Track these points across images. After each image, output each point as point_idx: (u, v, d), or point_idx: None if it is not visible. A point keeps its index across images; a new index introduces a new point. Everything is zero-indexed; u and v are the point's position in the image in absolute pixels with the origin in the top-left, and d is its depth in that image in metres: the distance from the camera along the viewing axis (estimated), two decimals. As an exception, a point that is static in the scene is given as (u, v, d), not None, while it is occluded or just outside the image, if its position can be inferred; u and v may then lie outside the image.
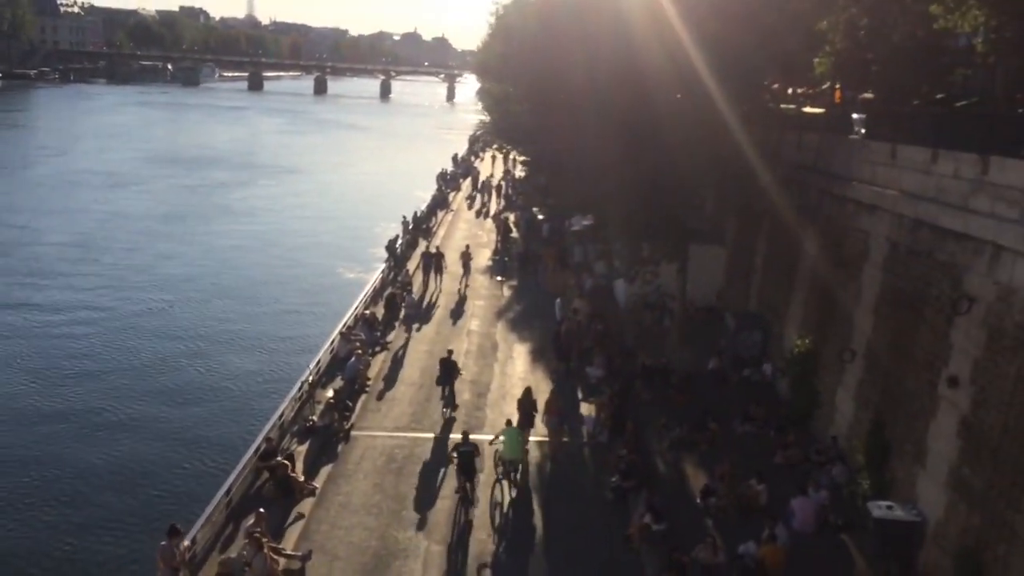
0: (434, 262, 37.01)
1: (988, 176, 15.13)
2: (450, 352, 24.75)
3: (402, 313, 31.37)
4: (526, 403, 21.61)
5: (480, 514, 18.19)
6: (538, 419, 21.69)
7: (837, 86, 33.87)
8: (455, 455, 18.86)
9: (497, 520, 18.03)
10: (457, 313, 33.18)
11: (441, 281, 36.84)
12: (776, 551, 15.84)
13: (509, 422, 20.59)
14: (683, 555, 15.50)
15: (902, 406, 17.52)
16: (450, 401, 23.71)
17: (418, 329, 30.48)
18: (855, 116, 25.24)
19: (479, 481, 19.09)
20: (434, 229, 49.45)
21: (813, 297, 23.55)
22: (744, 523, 17.34)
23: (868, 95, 32.07)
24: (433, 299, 35.10)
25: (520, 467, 19.85)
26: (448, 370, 23.78)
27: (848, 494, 18.52)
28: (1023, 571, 12.85)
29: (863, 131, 23.59)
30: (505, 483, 19.61)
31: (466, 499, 18.40)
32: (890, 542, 16.01)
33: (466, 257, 38.32)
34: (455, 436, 21.27)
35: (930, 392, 16.39)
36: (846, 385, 20.51)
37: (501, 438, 19.91)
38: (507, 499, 19.09)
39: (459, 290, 36.28)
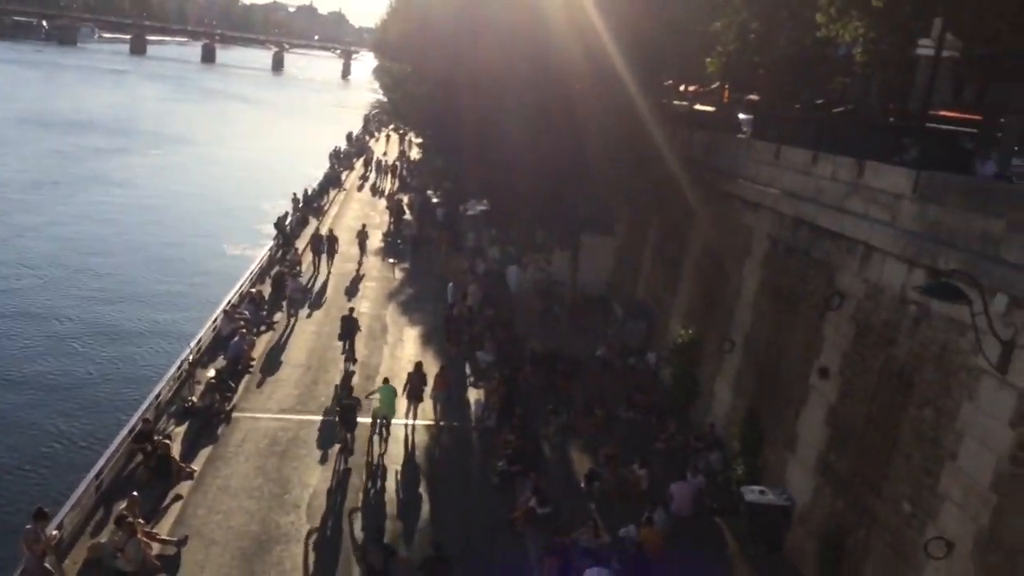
0: (326, 245, 35.49)
1: (863, 179, 16.00)
2: (351, 309, 26.72)
3: (286, 297, 29.69)
4: (415, 377, 21.89)
5: (359, 498, 18.01)
6: (426, 395, 21.95)
7: (726, 86, 34.99)
8: (338, 407, 20.23)
9: (382, 503, 17.89)
10: (349, 292, 32.74)
11: (332, 265, 35.51)
12: (655, 533, 16.37)
13: (386, 380, 21.22)
14: (566, 538, 15.80)
15: (776, 395, 18.38)
16: (351, 355, 24.99)
17: (308, 314, 29.71)
18: (742, 116, 26.17)
19: (356, 435, 19.94)
20: (325, 208, 48.47)
21: (697, 289, 24.36)
22: (626, 507, 17.83)
23: (754, 96, 33.28)
24: (324, 282, 34.00)
25: (390, 423, 20.90)
26: (349, 327, 25.23)
27: (723, 479, 19.32)
28: (882, 554, 13.71)
29: (749, 131, 24.50)
30: (376, 438, 20.55)
31: (345, 449, 19.62)
32: (761, 525, 16.80)
33: (362, 236, 37.51)
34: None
35: (802, 383, 17.25)
36: (725, 375, 21.35)
37: (377, 395, 20.85)
38: (377, 452, 20.17)
39: (355, 270, 35.76)
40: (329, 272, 35.14)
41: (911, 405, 13.57)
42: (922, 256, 13.56)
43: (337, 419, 20.11)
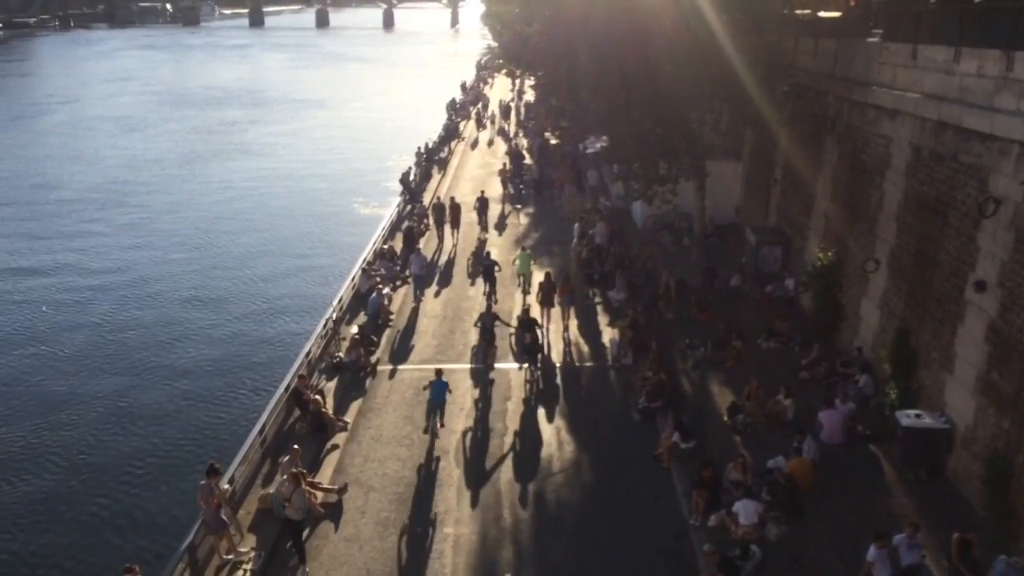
0: (449, 215, 32.79)
1: (1013, 73, 14.62)
2: (488, 254, 28.06)
3: (409, 271, 27.84)
4: (546, 285, 24.32)
5: (507, 442, 18.43)
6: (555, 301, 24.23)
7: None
8: (481, 267, 26.40)
9: (527, 447, 18.26)
10: (477, 251, 32.74)
11: (457, 236, 33.12)
12: (804, 463, 15.99)
13: (523, 248, 29.13)
14: (713, 472, 15.67)
15: (928, 313, 17.38)
16: (492, 293, 26.75)
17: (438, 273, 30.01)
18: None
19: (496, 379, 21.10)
20: (448, 159, 48.98)
21: (834, 208, 23.20)
22: (772, 438, 17.48)
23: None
24: (449, 256, 31.76)
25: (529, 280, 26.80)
26: (489, 269, 26.80)
27: (876, 404, 18.55)
28: (1054, 472, 12.89)
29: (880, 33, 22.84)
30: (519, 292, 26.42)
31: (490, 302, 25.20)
32: (919, 450, 16.10)
33: (482, 204, 34.58)
34: (482, 366, 22.08)
35: (957, 298, 16.22)
36: (870, 296, 20.35)
37: (517, 261, 27.87)
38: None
39: (476, 236, 33.56)
40: (455, 244, 32.85)
41: (1083, 314, 12.52)
42: (1089, 151, 12.35)
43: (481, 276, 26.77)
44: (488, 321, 22.96)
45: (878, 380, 19.05)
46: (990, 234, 15.19)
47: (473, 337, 23.74)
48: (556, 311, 24.42)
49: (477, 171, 44.42)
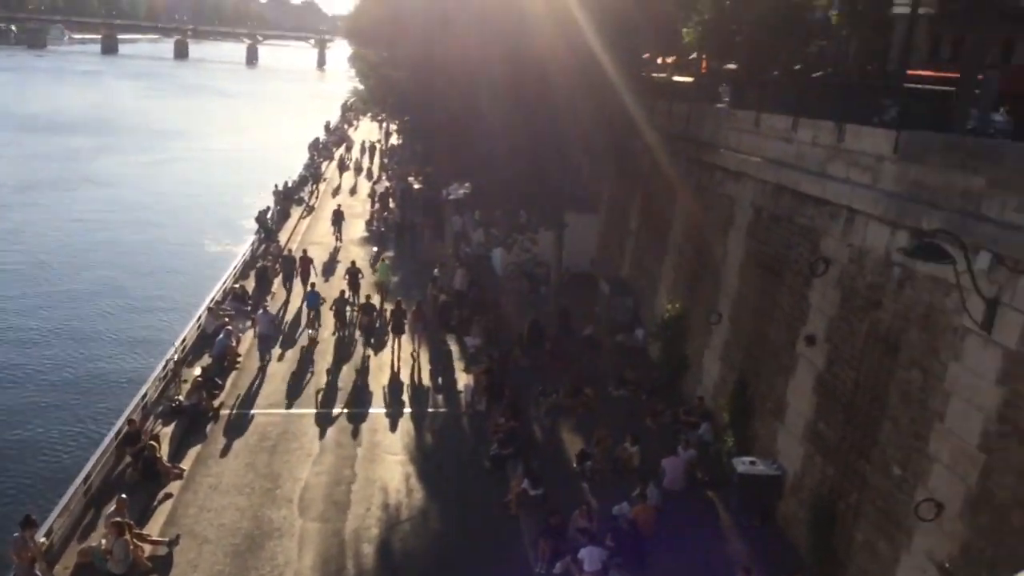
0: (300, 268, 30.61)
1: (844, 143, 15.85)
2: (353, 262, 30.56)
3: (254, 332, 25.40)
4: (397, 313, 25.31)
5: (354, 489, 17.89)
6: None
7: (703, 56, 34.77)
8: (346, 275, 29.72)
9: (375, 494, 17.77)
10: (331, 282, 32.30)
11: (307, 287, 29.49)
12: (647, 509, 16.33)
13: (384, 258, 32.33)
14: (560, 519, 15.74)
15: (764, 365, 18.32)
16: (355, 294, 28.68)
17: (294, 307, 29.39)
18: (722, 88, 25.98)
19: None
20: (308, 200, 48.03)
21: (683, 262, 24.25)
22: (619, 484, 17.78)
23: (732, 66, 33.08)
24: (297, 312, 28.50)
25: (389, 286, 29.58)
26: (353, 275, 29.46)
27: (715, 452, 19.27)
28: (874, 517, 13.69)
29: (728, 100, 24.33)
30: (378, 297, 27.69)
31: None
32: (752, 496, 16.78)
33: (337, 215, 39.02)
34: (336, 410, 21.62)
35: (789, 351, 17.18)
36: (713, 347, 21.27)
37: (378, 271, 31.09)
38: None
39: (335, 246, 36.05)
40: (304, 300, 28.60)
41: (898, 368, 13.50)
42: (905, 217, 13.45)
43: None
44: (341, 304, 26.85)
45: (717, 428, 19.83)
46: (820, 292, 16.23)
47: (324, 380, 23.20)
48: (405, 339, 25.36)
49: (334, 211, 43.71)
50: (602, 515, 16.42)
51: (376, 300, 27.83)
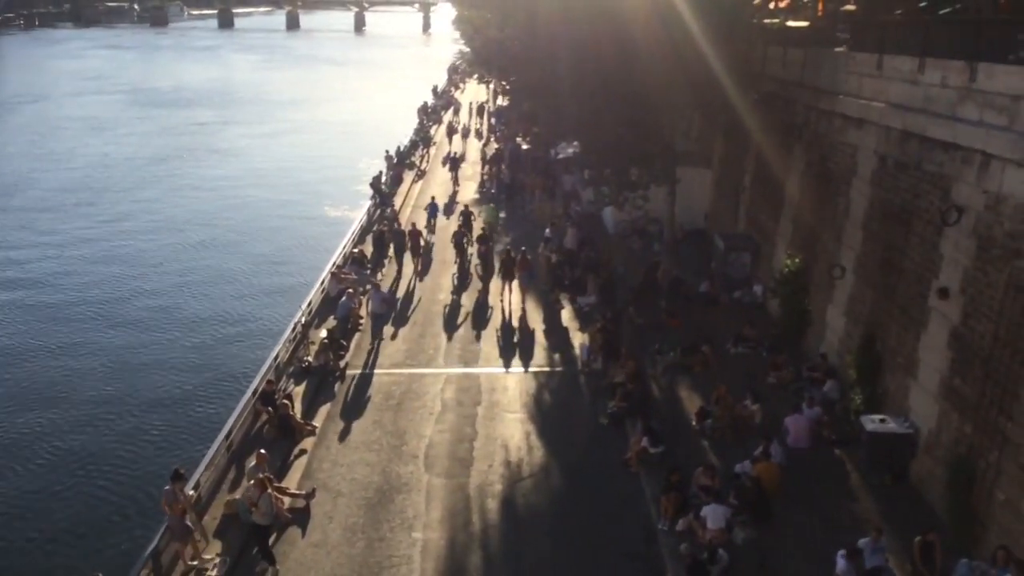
0: (409, 242, 29.66)
1: (976, 83, 14.91)
2: (466, 206, 35.17)
3: (368, 308, 24.80)
4: (507, 260, 26.83)
5: (476, 446, 18.39)
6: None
7: (820, -2, 33.17)
8: (460, 216, 33.26)
9: (496, 452, 18.22)
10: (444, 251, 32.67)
11: (419, 265, 29.92)
12: (771, 468, 16.12)
13: (491, 203, 36.28)
14: (681, 477, 15.76)
15: (893, 319, 17.64)
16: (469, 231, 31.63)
17: (414, 268, 29.91)
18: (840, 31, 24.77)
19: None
20: (419, 164, 48.84)
21: (802, 215, 23.48)
22: (740, 443, 17.62)
23: (850, 6, 31.43)
24: (409, 289, 28.48)
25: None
26: (467, 216, 32.94)
27: (841, 409, 18.77)
28: (1015, 476, 13.10)
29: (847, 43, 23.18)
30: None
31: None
32: (883, 455, 16.30)
33: (455, 161, 43.86)
34: (455, 369, 22.05)
35: (920, 304, 16.47)
36: (836, 302, 20.61)
37: (483, 213, 34.40)
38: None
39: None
40: (415, 274, 29.59)
41: (1042, 321, 12.77)
42: (1047, 160, 12.62)
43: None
44: (459, 237, 30.32)
45: (843, 385, 19.29)
46: (953, 242, 15.45)
47: (443, 341, 23.82)
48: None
49: (449, 174, 44.42)
50: (724, 473, 16.34)
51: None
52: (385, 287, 27.37)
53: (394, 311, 26.00)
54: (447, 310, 26.33)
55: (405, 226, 32.06)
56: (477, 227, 32.66)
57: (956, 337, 15.15)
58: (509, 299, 26.67)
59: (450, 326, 25.02)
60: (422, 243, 30.61)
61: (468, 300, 27.17)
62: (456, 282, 28.91)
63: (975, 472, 14.14)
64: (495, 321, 25.50)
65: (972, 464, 14.22)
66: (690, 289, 26.40)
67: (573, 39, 25.67)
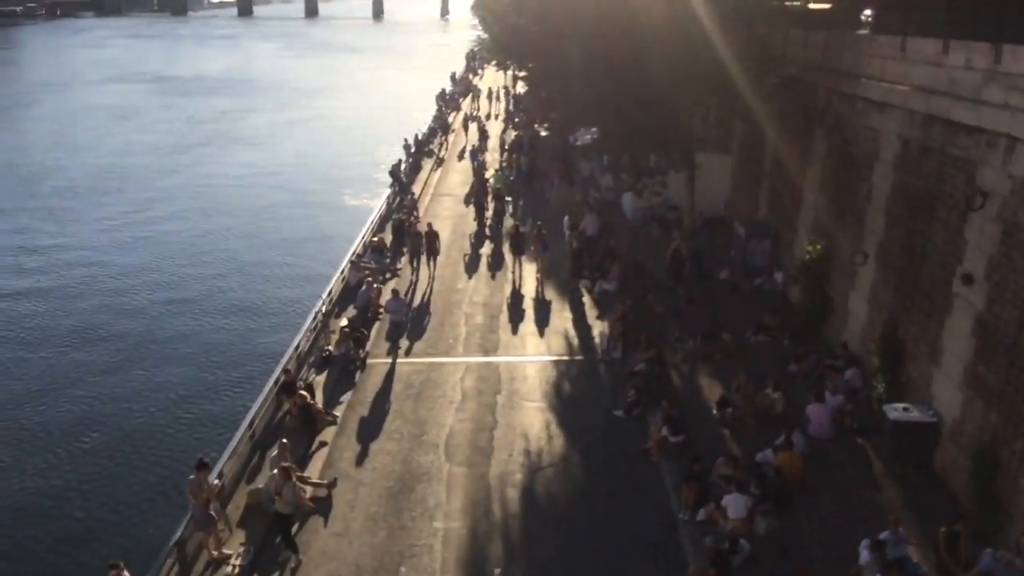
0: (426, 243, 28.00)
1: (1001, 65, 14.64)
2: (483, 173, 39.36)
3: (379, 325, 24.18)
4: (515, 236, 27.55)
5: (496, 436, 18.42)
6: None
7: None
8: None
9: (516, 441, 18.25)
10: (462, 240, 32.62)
11: (434, 268, 28.37)
12: (794, 456, 16.04)
13: (497, 170, 40.52)
14: (702, 466, 15.71)
15: (916, 306, 17.44)
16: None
17: (432, 262, 28.71)
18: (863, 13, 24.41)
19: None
20: (437, 152, 48.83)
21: (823, 201, 23.23)
22: (761, 431, 17.53)
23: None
24: (426, 295, 26.91)
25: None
26: (483, 183, 37.11)
27: (863, 398, 18.62)
28: (1041, 465, 12.97)
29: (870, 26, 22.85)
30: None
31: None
32: (906, 443, 16.16)
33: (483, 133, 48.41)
34: (474, 359, 22.11)
35: (944, 291, 16.28)
36: (859, 289, 20.40)
37: (491, 179, 38.07)
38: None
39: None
40: (431, 279, 27.93)
41: (1069, 308, 12.57)
42: (1076, 145, 12.37)
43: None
44: (479, 199, 34.48)
45: (866, 373, 19.12)
46: (977, 227, 15.23)
47: (463, 331, 23.85)
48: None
49: (467, 163, 44.38)
50: (745, 462, 16.28)
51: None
52: (402, 286, 26.67)
53: (410, 322, 24.37)
54: (466, 299, 26.33)
55: (422, 223, 30.99)
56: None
57: (980, 324, 14.96)
58: (519, 273, 27.59)
59: (469, 315, 25.03)
60: (438, 245, 28.42)
61: (487, 288, 27.14)
62: (472, 265, 29.45)
63: (999, 460, 14.00)
64: (514, 309, 25.48)
65: (996, 452, 14.08)
66: (710, 267, 26.21)
67: (589, 24, 25.47)
